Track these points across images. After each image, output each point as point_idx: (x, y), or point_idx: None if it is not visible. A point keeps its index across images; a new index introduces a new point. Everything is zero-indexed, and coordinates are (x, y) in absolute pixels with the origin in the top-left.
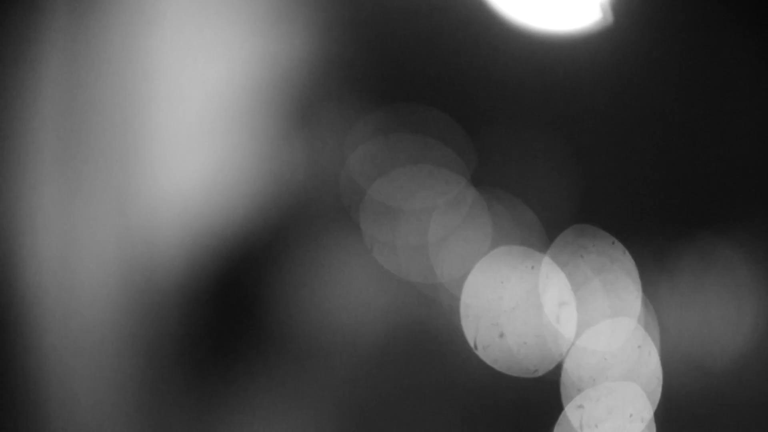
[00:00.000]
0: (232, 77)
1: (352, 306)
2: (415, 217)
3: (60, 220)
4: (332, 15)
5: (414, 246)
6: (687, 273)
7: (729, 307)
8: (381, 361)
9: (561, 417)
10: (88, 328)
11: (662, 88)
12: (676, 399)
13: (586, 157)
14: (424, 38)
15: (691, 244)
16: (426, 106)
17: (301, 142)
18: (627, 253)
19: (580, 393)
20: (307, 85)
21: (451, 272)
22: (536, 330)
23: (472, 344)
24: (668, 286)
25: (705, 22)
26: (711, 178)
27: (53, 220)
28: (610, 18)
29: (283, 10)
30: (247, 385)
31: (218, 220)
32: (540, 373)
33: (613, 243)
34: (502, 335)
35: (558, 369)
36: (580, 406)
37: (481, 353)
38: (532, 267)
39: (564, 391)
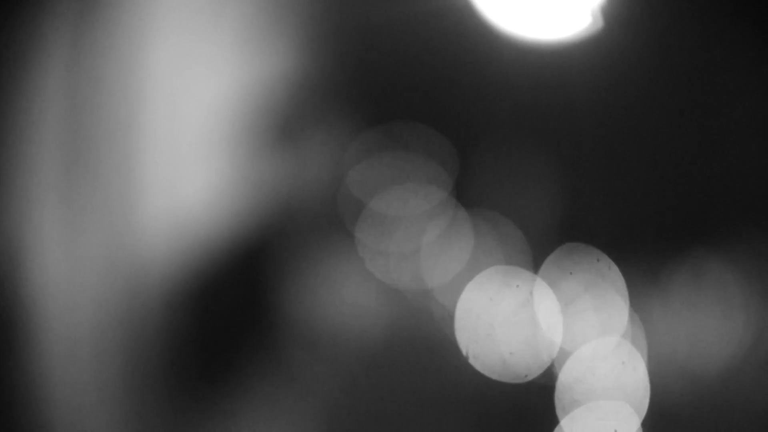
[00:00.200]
0: (225, 93)
1: (345, 315)
2: (407, 227)
3: (60, 231)
4: (321, 32)
5: (405, 255)
6: (677, 287)
7: (719, 320)
8: (374, 368)
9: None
10: (88, 334)
11: (654, 102)
12: (665, 413)
13: (576, 174)
14: (413, 53)
15: (682, 259)
16: (414, 123)
17: (290, 156)
18: (615, 267)
19: (572, 400)
20: (297, 101)
21: (440, 281)
22: (524, 340)
23: (464, 353)
24: (658, 300)
25: (696, 31)
26: (702, 193)
27: (54, 231)
28: (599, 24)
29: (272, 27)
30: (242, 391)
31: (214, 230)
32: (530, 378)
33: (598, 260)
34: (475, 357)
35: (547, 374)
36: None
37: (472, 361)
38: (518, 285)
39: (556, 400)
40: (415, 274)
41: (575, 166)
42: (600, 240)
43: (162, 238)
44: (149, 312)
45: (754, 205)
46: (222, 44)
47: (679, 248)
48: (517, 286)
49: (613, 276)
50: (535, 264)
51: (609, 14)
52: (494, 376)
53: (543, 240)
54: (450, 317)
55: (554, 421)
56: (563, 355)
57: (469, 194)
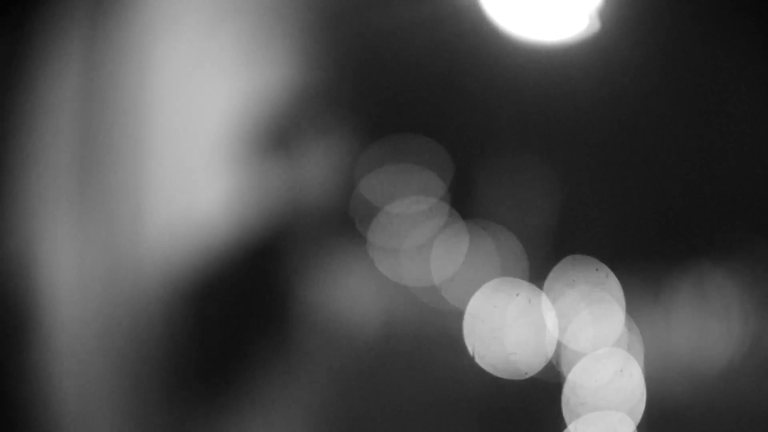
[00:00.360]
0: (235, 98)
1: (352, 312)
2: (409, 223)
3: (71, 234)
4: (323, 40)
5: (411, 254)
6: (676, 294)
7: (718, 326)
8: (377, 366)
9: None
10: (97, 337)
11: (653, 107)
12: (664, 417)
13: (575, 182)
14: (413, 59)
15: (681, 266)
16: (416, 133)
17: (295, 160)
18: (613, 276)
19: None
20: (300, 108)
21: (445, 280)
22: (525, 341)
23: (470, 352)
24: (657, 308)
25: (698, 33)
26: (702, 199)
27: (64, 233)
28: (596, 26)
29: (276, 35)
30: (251, 392)
31: (222, 233)
32: (529, 375)
33: (597, 269)
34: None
35: (547, 372)
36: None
37: (478, 360)
38: (517, 294)
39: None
40: (421, 273)
41: (574, 174)
42: (598, 248)
43: (171, 241)
44: (158, 315)
45: (755, 212)
46: (231, 50)
47: (679, 255)
48: (517, 294)
49: (612, 284)
50: (534, 274)
51: (608, 16)
52: (496, 373)
53: (542, 249)
54: (455, 316)
55: (555, 422)
56: (563, 356)
57: (469, 204)
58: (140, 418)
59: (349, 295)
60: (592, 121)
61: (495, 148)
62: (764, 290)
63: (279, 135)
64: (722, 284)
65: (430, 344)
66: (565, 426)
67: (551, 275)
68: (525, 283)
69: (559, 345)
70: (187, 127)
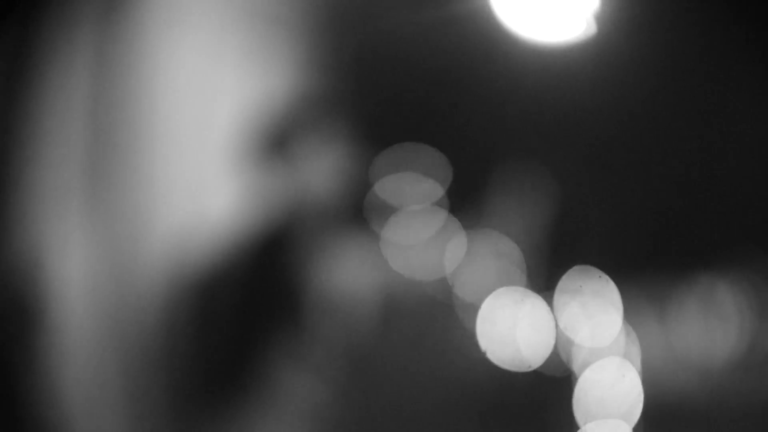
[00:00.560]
0: (244, 101)
1: (359, 306)
2: (418, 219)
3: (81, 234)
4: (326, 47)
5: (418, 245)
6: (675, 302)
7: (715, 331)
8: (381, 360)
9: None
10: (107, 337)
11: (653, 112)
12: (663, 421)
13: (576, 185)
14: (417, 65)
15: (681, 274)
16: (417, 142)
17: (299, 163)
18: (612, 283)
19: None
20: (302, 114)
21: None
22: (528, 342)
23: (482, 348)
24: (656, 315)
25: (699, 36)
26: (701, 206)
27: (75, 234)
28: (593, 29)
29: (280, 42)
30: (255, 390)
31: (231, 234)
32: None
33: (599, 276)
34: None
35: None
36: None
37: (489, 354)
38: (520, 301)
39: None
40: (430, 266)
41: (575, 177)
42: (597, 256)
43: (179, 241)
44: (165, 314)
45: (755, 219)
46: (238, 51)
47: (678, 263)
48: (520, 301)
49: (611, 292)
50: (536, 282)
51: (608, 18)
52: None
53: (543, 256)
54: (465, 309)
55: (555, 422)
56: (564, 361)
57: (470, 213)
58: (148, 418)
59: (350, 288)
60: (592, 122)
61: (498, 153)
62: (763, 300)
63: (283, 138)
64: (722, 292)
65: (430, 333)
66: (565, 427)
67: (552, 282)
68: (526, 290)
69: (559, 351)
70: (195, 126)
